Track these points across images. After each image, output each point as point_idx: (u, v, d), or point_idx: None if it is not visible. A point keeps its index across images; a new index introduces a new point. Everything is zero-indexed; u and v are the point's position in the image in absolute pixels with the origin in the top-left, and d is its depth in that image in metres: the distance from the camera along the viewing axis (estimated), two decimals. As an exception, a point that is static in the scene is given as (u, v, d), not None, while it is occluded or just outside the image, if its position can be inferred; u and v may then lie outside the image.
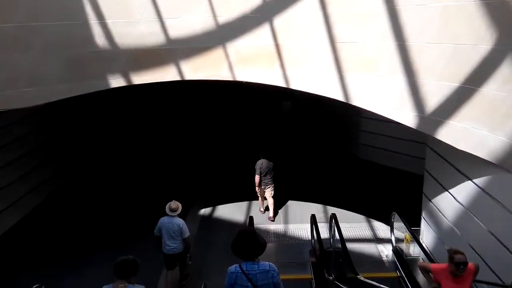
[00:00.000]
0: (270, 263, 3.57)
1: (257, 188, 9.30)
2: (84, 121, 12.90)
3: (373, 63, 6.25)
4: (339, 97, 6.68)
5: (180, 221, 6.57)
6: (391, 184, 11.02)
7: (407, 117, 5.96)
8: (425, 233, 7.15)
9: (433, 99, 5.62)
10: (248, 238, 3.50)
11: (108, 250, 8.01)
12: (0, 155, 9.10)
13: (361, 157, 12.83)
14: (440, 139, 5.62)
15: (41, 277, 6.80)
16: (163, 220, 6.60)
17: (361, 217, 9.45)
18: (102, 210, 10.24)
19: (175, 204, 6.62)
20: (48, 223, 9.60)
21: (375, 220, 9.25)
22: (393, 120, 11.27)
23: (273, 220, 9.43)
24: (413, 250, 7.23)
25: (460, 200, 5.86)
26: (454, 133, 5.46)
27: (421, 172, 10.56)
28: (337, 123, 15.36)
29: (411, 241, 7.10)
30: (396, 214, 7.59)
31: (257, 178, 9.08)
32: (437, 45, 5.46)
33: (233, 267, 3.53)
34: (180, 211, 6.63)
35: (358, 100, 6.54)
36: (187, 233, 6.57)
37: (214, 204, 10.40)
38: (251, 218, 7.78)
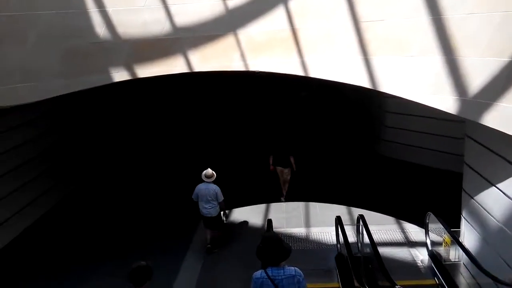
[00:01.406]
0: (296, 268, 3.51)
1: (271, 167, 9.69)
2: (92, 123, 12.48)
3: (403, 43, 5.53)
4: (365, 83, 5.96)
5: (215, 187, 7.39)
6: (421, 182, 10.18)
7: (446, 102, 5.20)
8: (466, 235, 6.32)
9: (477, 78, 4.85)
10: (273, 243, 3.47)
11: (116, 259, 7.47)
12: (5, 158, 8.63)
13: (384, 154, 12.01)
14: (487, 124, 4.84)
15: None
16: (200, 186, 7.45)
17: (389, 218, 8.66)
18: (110, 217, 9.70)
19: (209, 171, 7.43)
20: (54, 232, 9.07)
21: (405, 222, 8.45)
22: (419, 114, 10.83)
23: (284, 199, 9.79)
24: (454, 254, 6.41)
25: (511, 195, 5.06)
26: (504, 117, 4.68)
27: (453, 168, 9.91)
28: (358, 118, 14.63)
29: (451, 244, 6.29)
30: (431, 214, 6.79)
31: (270, 158, 9.63)
32: (481, 15, 4.71)
33: (259, 273, 3.49)
34: (215, 177, 7.44)
35: (387, 86, 5.81)
36: (221, 198, 7.41)
37: (228, 206, 9.71)
38: (269, 222, 7.09)
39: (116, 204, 10.28)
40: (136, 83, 7.07)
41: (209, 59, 6.60)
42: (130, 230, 8.92)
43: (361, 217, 6.88)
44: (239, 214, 9.42)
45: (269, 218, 7.39)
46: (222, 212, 7.75)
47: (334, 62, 6.11)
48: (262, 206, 9.69)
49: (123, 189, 11.23)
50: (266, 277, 3.40)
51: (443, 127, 10.27)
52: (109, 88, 6.68)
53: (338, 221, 6.94)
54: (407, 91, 5.65)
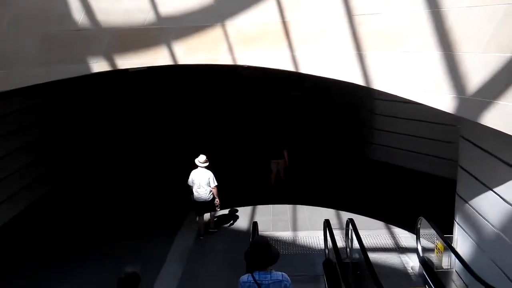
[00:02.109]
0: (283, 273, 3.44)
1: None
2: (82, 116, 12.15)
3: (400, 37, 5.25)
4: (358, 80, 5.68)
5: (209, 173, 7.76)
6: (411, 187, 9.93)
7: (443, 101, 4.94)
8: (459, 241, 6.05)
9: (477, 75, 4.58)
10: (261, 248, 3.42)
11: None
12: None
13: (373, 158, 11.75)
14: (486, 124, 4.58)
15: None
16: (195, 172, 7.81)
17: (379, 223, 8.39)
18: (97, 210, 9.53)
19: (203, 157, 7.82)
20: (42, 221, 8.95)
21: (396, 227, 8.19)
22: (409, 117, 10.61)
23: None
24: (447, 261, 6.13)
25: (509, 200, 4.80)
26: (505, 116, 4.42)
27: (445, 174, 9.71)
28: (346, 120, 14.38)
29: (444, 250, 6.02)
30: (423, 219, 6.53)
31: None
32: (482, 9, 4.45)
33: (245, 277, 3.43)
34: (208, 163, 7.77)
35: (381, 83, 5.53)
36: (214, 183, 7.74)
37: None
38: (254, 224, 6.75)
39: (104, 197, 10.20)
40: (129, 75, 6.73)
41: (195, 51, 6.26)
42: (117, 222, 8.88)
43: (350, 221, 6.60)
44: (224, 216, 9.05)
45: (255, 220, 7.04)
46: (215, 200, 7.93)
47: (326, 57, 5.82)
48: (249, 208, 9.34)
49: (112, 182, 11.13)
50: (253, 281, 3.34)
51: (433, 130, 10.06)
52: (100, 81, 6.38)
53: (327, 225, 6.63)
54: (402, 89, 5.38)
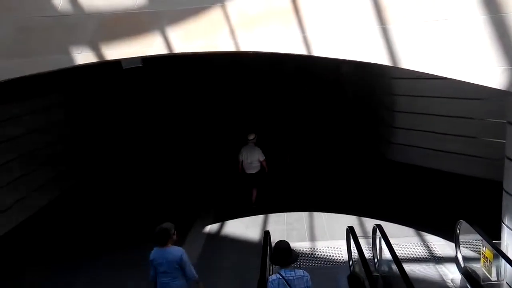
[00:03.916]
0: (304, 270, 4.04)
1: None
2: (90, 120, 11.96)
3: (432, 2, 4.40)
4: (383, 60, 4.84)
5: (258, 149, 8.64)
6: (440, 190, 8.96)
7: (492, 75, 4.08)
8: (511, 247, 5.08)
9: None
10: (284, 250, 4.02)
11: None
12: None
13: (393, 159, 10.80)
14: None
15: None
16: (244, 148, 8.68)
17: (408, 230, 7.43)
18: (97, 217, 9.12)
19: (252, 135, 8.69)
20: (53, 225, 8.74)
21: (427, 234, 7.21)
22: (432, 112, 9.65)
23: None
24: (497, 271, 5.14)
25: None
26: None
27: (478, 174, 8.75)
28: (362, 119, 13.49)
29: (494, 258, 5.03)
30: (464, 223, 5.58)
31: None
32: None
33: (274, 276, 3.98)
34: (256, 138, 8.71)
35: (412, 61, 4.69)
36: (262, 157, 8.61)
37: (223, 218, 8.53)
38: (266, 234, 5.86)
39: (104, 201, 9.92)
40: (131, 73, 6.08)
41: (192, 37, 5.49)
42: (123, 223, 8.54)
43: (378, 227, 5.66)
44: (234, 227, 8.18)
45: (267, 230, 6.15)
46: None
47: (343, 36, 5.00)
48: (259, 218, 8.46)
49: (112, 185, 10.92)
50: (281, 277, 3.90)
51: (462, 126, 9.13)
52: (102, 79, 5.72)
53: (351, 233, 5.69)
54: (437, 66, 4.52)
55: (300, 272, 3.96)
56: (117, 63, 6.31)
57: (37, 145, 9.58)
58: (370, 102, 12.71)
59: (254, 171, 8.66)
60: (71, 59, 5.40)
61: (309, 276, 3.97)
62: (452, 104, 9.20)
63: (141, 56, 5.66)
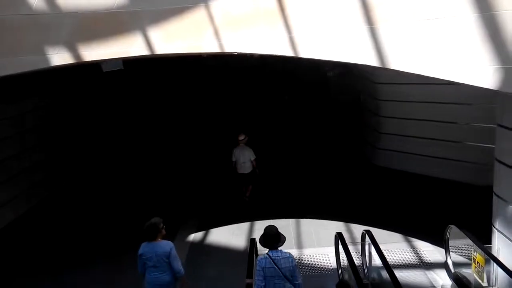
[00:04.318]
0: (289, 252, 4.52)
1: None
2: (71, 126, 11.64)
3: (421, 2, 4.31)
4: (371, 61, 4.73)
5: (249, 149, 8.84)
6: (427, 195, 8.91)
7: (483, 75, 4.00)
8: (502, 252, 4.97)
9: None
10: (272, 235, 4.49)
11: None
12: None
13: (379, 164, 10.74)
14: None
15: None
16: (237, 149, 8.85)
17: (396, 236, 7.30)
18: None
19: (242, 136, 8.85)
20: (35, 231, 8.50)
21: (416, 239, 7.09)
22: (419, 117, 9.63)
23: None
24: (489, 276, 5.03)
25: None
26: None
27: (465, 179, 8.73)
28: (349, 123, 13.43)
29: (485, 263, 4.93)
30: (454, 227, 5.48)
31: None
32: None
33: (263, 256, 4.47)
34: (247, 139, 8.95)
35: (400, 62, 4.58)
36: (253, 156, 8.82)
37: (208, 225, 8.28)
38: (252, 241, 5.66)
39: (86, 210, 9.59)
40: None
41: (174, 37, 5.32)
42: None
43: (367, 233, 5.51)
44: (218, 234, 7.94)
45: (253, 237, 5.94)
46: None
47: (330, 36, 4.89)
48: (245, 225, 8.23)
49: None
50: (269, 257, 4.36)
51: (448, 131, 9.13)
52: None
53: (340, 239, 5.53)
54: (427, 67, 4.43)
55: (285, 253, 4.44)
56: (97, 65, 6.13)
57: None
58: (355, 107, 12.68)
59: (247, 171, 8.89)
60: (46, 60, 5.17)
61: (293, 256, 4.47)
62: (437, 109, 9.21)
63: (121, 58, 5.46)
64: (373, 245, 5.17)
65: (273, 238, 4.44)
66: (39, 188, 10.13)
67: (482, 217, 5.74)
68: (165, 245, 4.69)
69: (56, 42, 5.15)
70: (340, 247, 5.64)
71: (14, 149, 9.40)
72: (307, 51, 5.06)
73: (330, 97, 15.04)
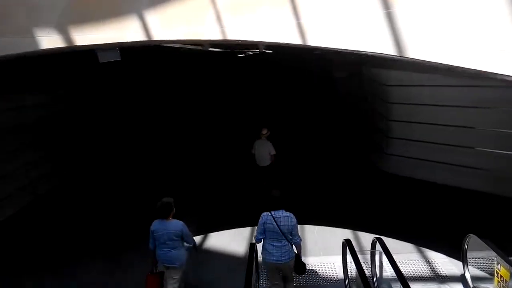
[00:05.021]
0: (291, 213, 4.91)
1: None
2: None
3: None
4: (387, 49, 4.31)
5: (269, 143, 8.88)
6: (438, 203, 8.40)
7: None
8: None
9: None
10: (276, 197, 4.91)
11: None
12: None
13: (388, 170, 10.24)
14: None
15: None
16: (257, 142, 9.01)
17: (408, 246, 6.80)
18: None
19: (265, 130, 8.98)
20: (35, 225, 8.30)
21: (429, 250, 6.59)
22: (430, 121, 9.13)
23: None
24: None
25: None
26: None
27: (479, 188, 8.24)
28: (358, 127, 12.96)
29: (510, 277, 4.42)
30: (474, 237, 4.98)
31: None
32: None
33: (266, 213, 4.91)
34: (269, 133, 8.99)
35: (418, 49, 4.14)
36: (273, 151, 8.87)
37: (207, 229, 7.82)
38: (252, 246, 5.21)
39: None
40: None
41: (173, 22, 4.93)
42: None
43: (378, 240, 5.03)
44: (217, 239, 7.48)
45: (253, 242, 5.47)
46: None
47: (342, 23, 4.47)
48: (247, 230, 7.76)
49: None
50: (270, 214, 4.81)
51: (462, 136, 8.63)
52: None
53: (348, 246, 5.05)
54: (448, 54, 3.98)
55: (286, 213, 4.84)
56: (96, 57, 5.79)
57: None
58: (364, 110, 12.22)
59: (266, 164, 9.01)
60: (35, 43, 4.80)
61: (294, 217, 4.84)
62: (451, 112, 8.73)
63: (116, 43, 5.06)
64: (385, 254, 4.69)
65: (277, 201, 4.86)
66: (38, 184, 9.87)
67: (498, 227, 5.28)
68: (177, 223, 4.99)
69: (47, 24, 4.80)
70: (348, 255, 5.17)
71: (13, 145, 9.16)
72: (316, 39, 4.65)
73: (338, 100, 14.64)
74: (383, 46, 4.30)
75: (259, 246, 5.10)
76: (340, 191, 9.59)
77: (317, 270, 6.27)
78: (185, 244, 5.10)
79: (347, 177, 10.48)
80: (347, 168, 11.14)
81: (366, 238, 6.93)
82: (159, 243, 5.00)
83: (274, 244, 4.81)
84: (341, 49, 4.61)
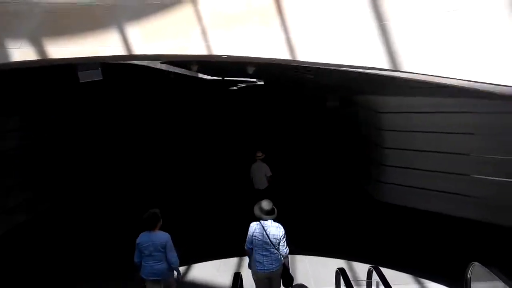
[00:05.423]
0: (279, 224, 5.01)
1: None
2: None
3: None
4: (381, 63, 4.10)
5: (265, 165, 9.01)
6: (434, 232, 8.06)
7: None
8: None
9: None
10: (268, 210, 4.98)
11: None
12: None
13: (383, 200, 9.91)
14: None
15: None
16: (254, 165, 9.07)
17: (406, 277, 6.39)
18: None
19: (259, 152, 9.11)
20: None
21: (429, 281, 6.18)
22: (427, 148, 8.90)
23: None
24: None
25: None
26: None
27: (476, 216, 7.95)
28: (350, 156, 12.70)
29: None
30: (478, 265, 4.61)
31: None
32: None
33: (255, 223, 5.01)
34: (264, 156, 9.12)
35: (414, 62, 3.92)
36: (269, 173, 8.99)
37: (191, 259, 7.29)
38: (236, 276, 4.79)
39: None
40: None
41: (156, 37, 4.68)
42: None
43: (375, 269, 4.63)
44: (203, 270, 6.99)
45: (237, 271, 5.06)
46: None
47: (333, 37, 4.26)
48: (233, 260, 7.28)
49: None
50: (259, 224, 4.94)
51: (457, 163, 8.39)
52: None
53: (342, 276, 4.64)
54: (447, 67, 3.75)
55: (275, 223, 4.95)
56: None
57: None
58: (356, 138, 12.02)
59: (262, 187, 8.94)
60: (5, 55, 4.49)
61: (282, 228, 4.94)
62: (446, 139, 8.53)
63: (94, 57, 4.78)
64: (383, 284, 4.28)
65: (267, 211, 4.92)
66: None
67: (498, 258, 4.96)
68: (163, 235, 4.91)
69: (20, 35, 4.51)
70: (342, 286, 4.75)
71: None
72: (306, 54, 4.42)
73: (330, 127, 14.49)
74: (377, 60, 4.07)
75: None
76: (332, 220, 9.21)
77: (308, 303, 5.80)
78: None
79: (342, 206, 10.12)
80: (342, 198, 10.80)
81: (361, 268, 6.51)
82: (144, 255, 4.88)
83: (264, 253, 4.88)
84: (332, 64, 4.39)
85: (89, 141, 12.35)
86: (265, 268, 4.87)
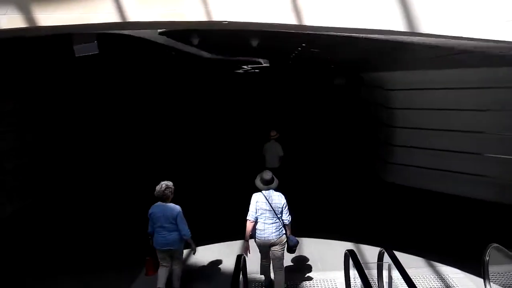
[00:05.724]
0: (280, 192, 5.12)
1: None
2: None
3: None
4: (396, 25, 3.72)
5: (278, 144, 8.88)
6: (448, 214, 7.75)
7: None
8: None
9: None
10: (268, 180, 5.08)
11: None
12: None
13: (392, 181, 9.59)
14: None
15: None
16: (267, 144, 9.02)
17: (418, 260, 6.11)
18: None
19: (274, 132, 9.02)
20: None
21: (442, 265, 5.89)
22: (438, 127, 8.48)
23: None
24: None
25: None
26: None
27: (489, 197, 7.63)
28: (359, 135, 12.35)
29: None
30: (497, 247, 4.30)
31: None
32: None
33: (257, 193, 5.07)
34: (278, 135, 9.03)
35: (432, 22, 3.54)
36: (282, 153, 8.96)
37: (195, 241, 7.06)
38: (239, 258, 4.54)
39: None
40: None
41: (152, 2, 4.32)
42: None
43: (387, 251, 4.33)
44: (207, 252, 6.76)
45: (240, 254, 4.79)
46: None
47: (342, -2, 3.87)
48: (237, 244, 7.02)
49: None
50: (262, 194, 5.02)
51: (471, 142, 8.02)
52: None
53: (351, 258, 4.34)
54: (468, 26, 3.37)
55: (276, 192, 5.07)
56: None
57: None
58: (365, 118, 11.65)
59: (275, 166, 8.76)
60: (-10, 22, 4.17)
61: (283, 196, 5.05)
62: (459, 116, 8.15)
63: (85, 24, 4.45)
64: (396, 267, 3.98)
65: (268, 181, 5.03)
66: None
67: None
68: (174, 207, 5.00)
69: (5, 1, 4.19)
70: (351, 270, 4.47)
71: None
72: (314, 18, 4.06)
73: (338, 108, 14.14)
74: (392, 21, 3.71)
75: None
76: (342, 203, 8.94)
77: (316, 287, 5.54)
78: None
79: (351, 189, 9.83)
80: (351, 179, 10.50)
81: (370, 252, 6.23)
82: (156, 227, 4.97)
83: (266, 222, 4.96)
84: (342, 28, 4.02)
85: (87, 128, 12.03)
86: (267, 236, 4.95)
